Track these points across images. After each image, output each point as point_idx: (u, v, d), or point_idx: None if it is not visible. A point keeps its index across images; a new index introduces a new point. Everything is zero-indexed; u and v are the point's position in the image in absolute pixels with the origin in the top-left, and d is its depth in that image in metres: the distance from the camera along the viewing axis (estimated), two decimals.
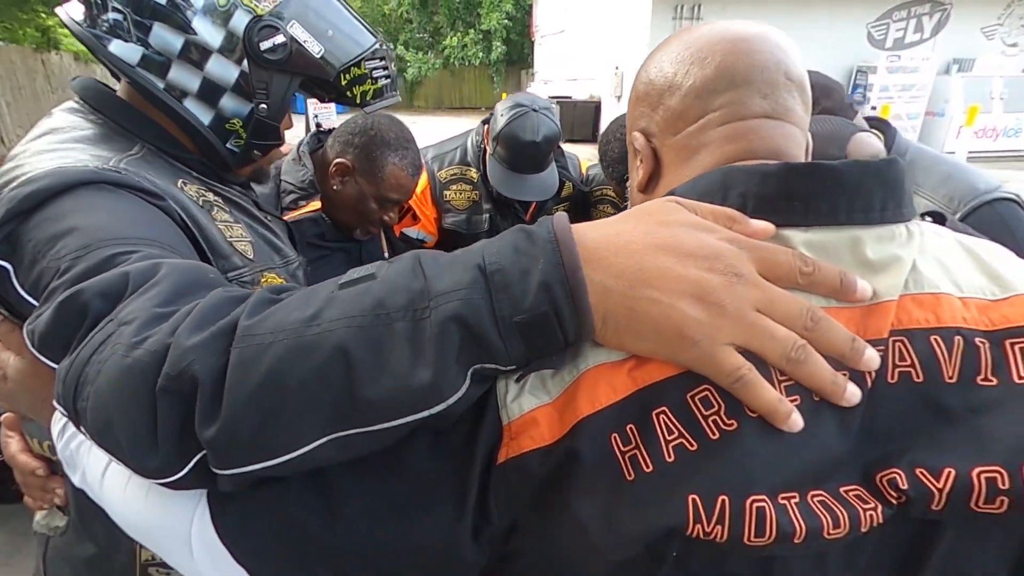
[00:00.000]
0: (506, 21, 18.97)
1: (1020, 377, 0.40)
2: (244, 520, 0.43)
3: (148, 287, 0.46)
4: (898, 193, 0.45)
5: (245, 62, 0.76)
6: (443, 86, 22.13)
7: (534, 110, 1.54)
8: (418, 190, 1.64)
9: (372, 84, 0.92)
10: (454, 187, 1.70)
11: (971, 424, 0.40)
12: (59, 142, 0.70)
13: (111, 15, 0.71)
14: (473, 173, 1.70)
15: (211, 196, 0.79)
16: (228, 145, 0.80)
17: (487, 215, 1.71)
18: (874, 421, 0.40)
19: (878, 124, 1.28)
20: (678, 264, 0.39)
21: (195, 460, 0.40)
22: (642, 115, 0.60)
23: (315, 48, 0.81)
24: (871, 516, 0.39)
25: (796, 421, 0.38)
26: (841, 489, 0.39)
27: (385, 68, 0.94)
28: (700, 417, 0.39)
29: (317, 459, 0.40)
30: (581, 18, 13.31)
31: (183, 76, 0.74)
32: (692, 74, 0.55)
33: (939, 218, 0.81)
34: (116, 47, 0.71)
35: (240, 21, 0.74)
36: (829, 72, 1.19)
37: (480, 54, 19.90)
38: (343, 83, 0.87)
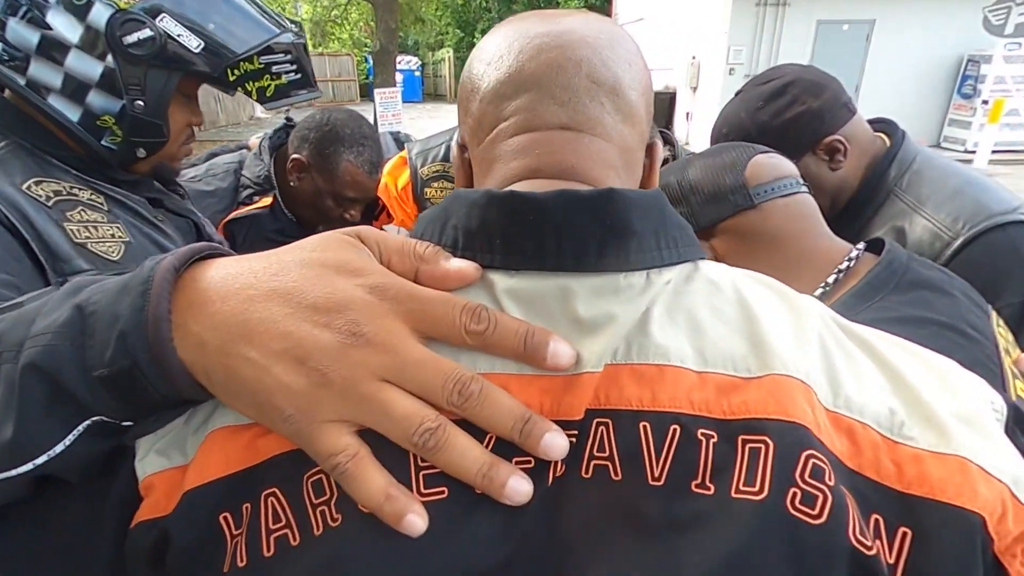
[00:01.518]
0: (586, 10, 18.59)
1: (739, 489, 0.30)
2: None
3: None
4: (622, 233, 0.35)
5: (110, 57, 0.73)
6: None
7: None
8: (399, 186, 1.59)
9: (273, 80, 0.88)
10: (435, 184, 1.63)
11: (670, 545, 0.30)
12: None
13: None
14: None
15: (83, 195, 0.77)
16: (104, 142, 0.78)
17: None
18: (555, 525, 0.31)
19: (883, 126, 1.09)
20: (289, 316, 0.31)
21: None
22: (461, 122, 0.51)
23: (192, 42, 0.77)
24: None
25: (412, 523, 0.29)
26: None
27: (293, 63, 0.90)
28: (309, 505, 0.31)
29: None
30: (661, 5, 12.81)
31: (43, 72, 0.72)
32: (487, 76, 0.46)
33: (874, 246, 0.66)
34: None
35: (100, 15, 0.71)
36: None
37: None
38: (231, 78, 0.83)
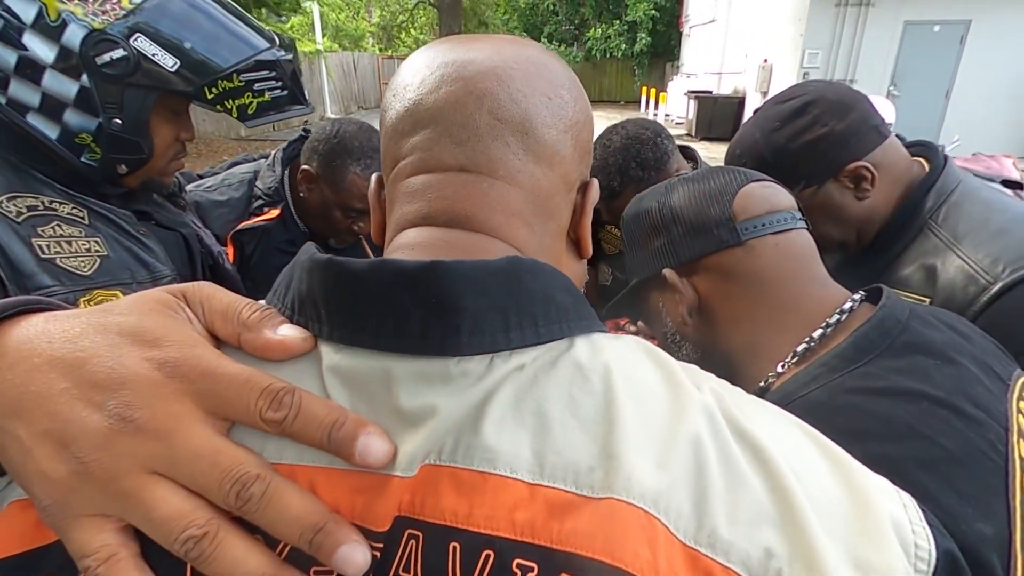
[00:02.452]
0: (653, 12, 18.20)
1: None
2: None
3: None
4: (449, 312, 0.30)
5: (85, 76, 0.74)
6: (584, 78, 21.67)
7: None
8: None
9: (254, 97, 0.87)
10: None
11: None
12: None
13: None
14: None
15: (63, 209, 0.79)
16: (84, 159, 0.79)
17: None
18: None
19: (922, 150, 0.97)
20: (64, 392, 0.28)
21: None
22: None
23: (168, 61, 0.77)
24: None
25: None
26: None
27: (277, 80, 0.89)
28: None
29: None
30: (734, 6, 12.34)
31: (22, 91, 0.74)
32: (392, 108, 0.42)
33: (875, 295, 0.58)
34: None
35: (74, 36, 0.72)
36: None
37: (623, 46, 19.34)
38: (209, 97, 0.82)
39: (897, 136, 0.97)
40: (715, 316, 0.64)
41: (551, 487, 0.27)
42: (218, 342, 0.33)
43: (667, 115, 13.96)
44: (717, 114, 11.32)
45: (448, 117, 0.38)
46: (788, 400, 0.54)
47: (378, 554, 0.28)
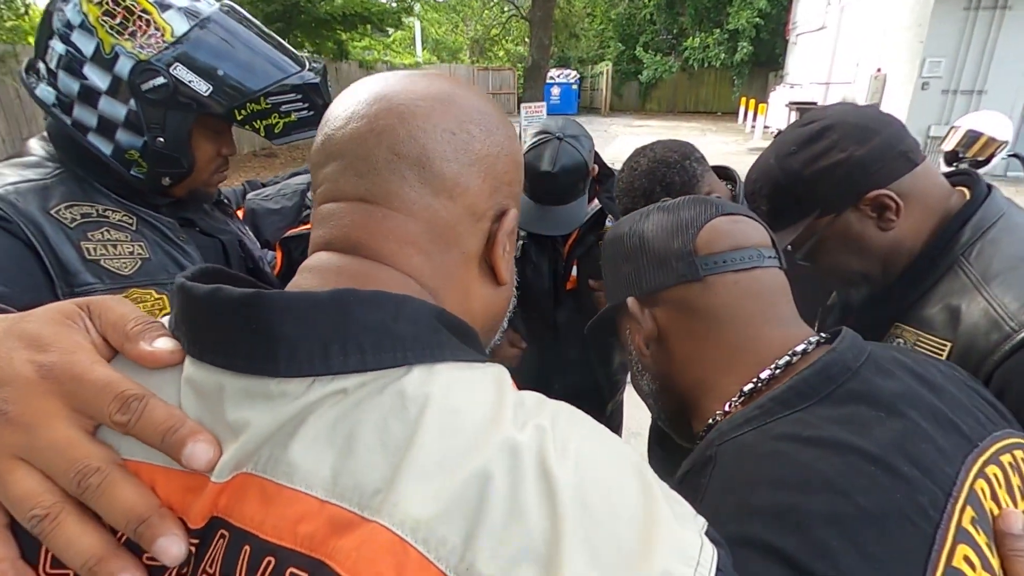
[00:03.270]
0: (757, 19, 17.42)
1: None
2: None
3: None
4: (268, 338, 0.32)
5: (133, 101, 0.85)
6: (679, 89, 21.38)
7: (558, 138, 1.40)
8: None
9: (281, 118, 0.95)
10: None
11: None
12: (7, 163, 0.88)
13: (39, 64, 0.87)
14: None
15: (115, 216, 0.90)
16: (133, 172, 0.91)
17: (520, 242, 1.62)
18: None
19: (964, 178, 0.88)
20: None
21: None
22: None
23: (202, 87, 0.87)
24: None
25: None
26: None
27: (303, 101, 0.97)
28: None
29: None
30: (847, 12, 11.54)
31: (83, 114, 0.86)
32: (317, 139, 0.46)
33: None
34: (40, 90, 0.87)
35: (124, 66, 0.83)
36: None
37: (722, 55, 18.65)
38: (239, 118, 0.91)
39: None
40: (672, 350, 0.63)
41: (338, 505, 0.29)
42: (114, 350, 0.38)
43: (766, 127, 13.30)
44: None
45: (352, 151, 0.41)
46: (721, 440, 0.52)
47: (194, 548, 0.31)
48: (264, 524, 0.30)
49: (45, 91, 0.86)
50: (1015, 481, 0.50)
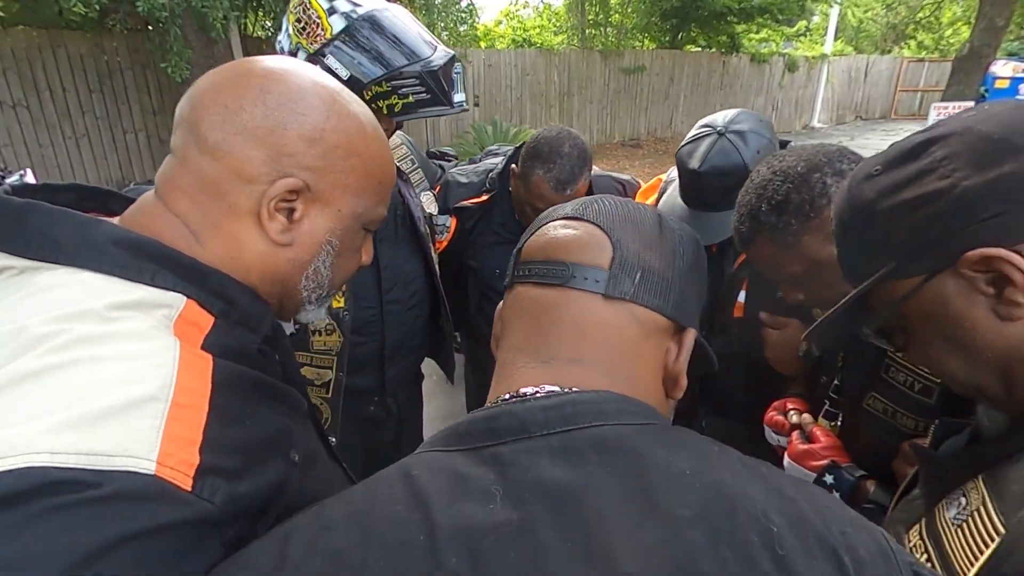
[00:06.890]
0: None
1: None
2: None
3: None
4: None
5: None
6: None
7: (719, 133, 1.19)
8: None
9: (399, 99, 1.15)
10: None
11: None
12: None
13: None
14: None
15: None
16: None
17: None
18: None
19: None
20: None
21: None
22: None
23: (343, 73, 1.13)
24: None
25: None
26: None
27: (421, 85, 1.14)
28: None
29: None
30: None
31: None
32: None
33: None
34: None
35: (302, 57, 1.15)
36: None
37: None
38: (367, 98, 1.14)
39: None
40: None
41: None
42: None
43: None
44: None
45: (177, 114, 0.56)
46: None
47: None
48: None
49: None
50: None
